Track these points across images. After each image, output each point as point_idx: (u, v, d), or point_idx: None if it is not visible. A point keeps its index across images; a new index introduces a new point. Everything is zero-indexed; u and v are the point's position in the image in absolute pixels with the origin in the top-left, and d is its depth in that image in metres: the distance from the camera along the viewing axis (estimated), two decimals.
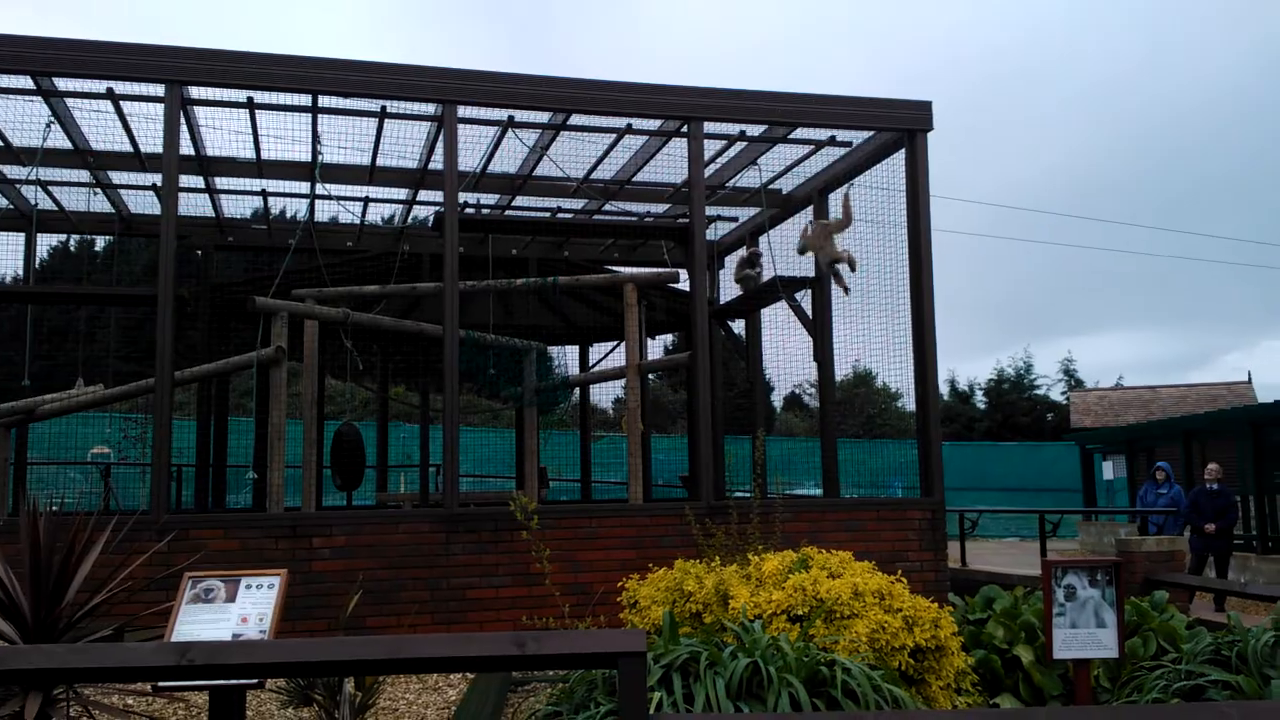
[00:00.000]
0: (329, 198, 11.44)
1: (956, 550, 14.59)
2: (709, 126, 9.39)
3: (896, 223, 9.64)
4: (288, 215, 13.57)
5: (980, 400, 44.27)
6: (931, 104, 9.49)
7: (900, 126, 9.44)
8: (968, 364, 68.10)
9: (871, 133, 9.78)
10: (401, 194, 11.77)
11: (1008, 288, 77.30)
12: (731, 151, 10.48)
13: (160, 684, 4.05)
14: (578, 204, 12.13)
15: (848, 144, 10.09)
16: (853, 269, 9.83)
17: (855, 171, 10.21)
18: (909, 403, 10.02)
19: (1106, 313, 77.06)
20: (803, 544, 6.66)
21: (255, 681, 3.75)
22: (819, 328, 10.44)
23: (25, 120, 9.32)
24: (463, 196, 9.70)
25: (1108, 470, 24.77)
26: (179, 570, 4.68)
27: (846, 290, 9.97)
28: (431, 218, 11.26)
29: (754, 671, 4.41)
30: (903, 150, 9.55)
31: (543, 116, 9.51)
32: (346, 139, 10.01)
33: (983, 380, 45.10)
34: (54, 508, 4.69)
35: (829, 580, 5.69)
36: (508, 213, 12.13)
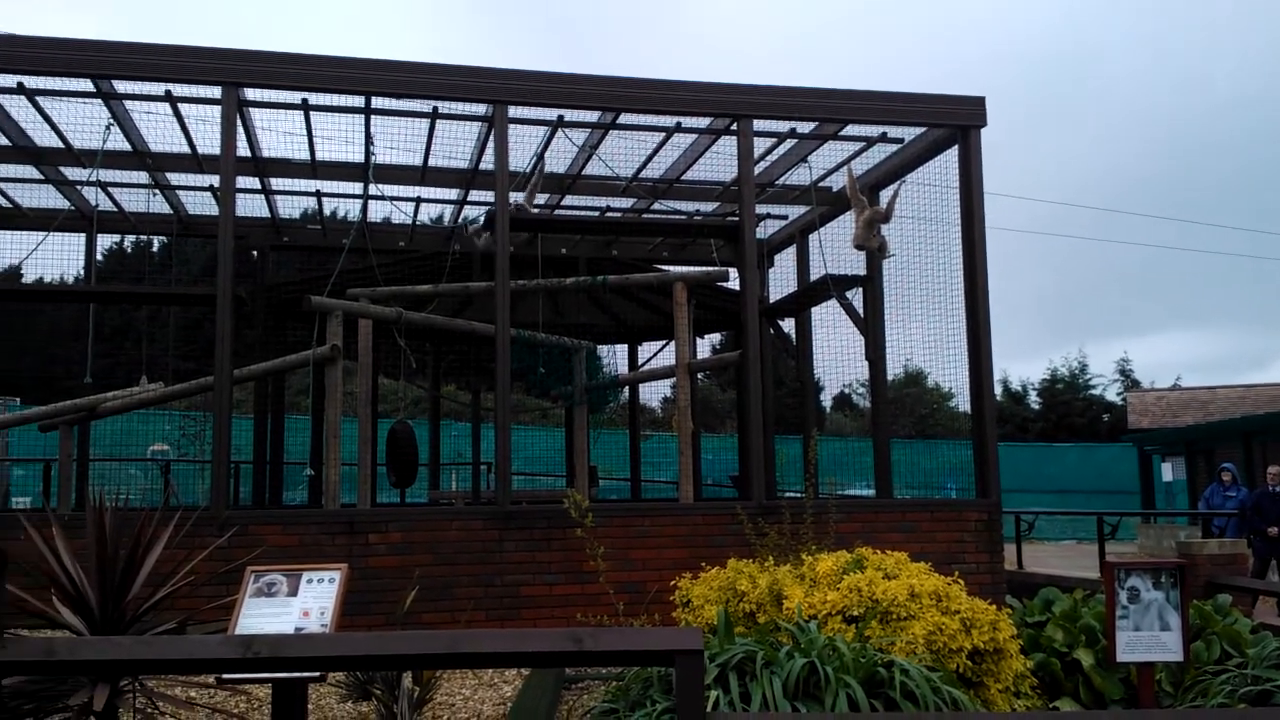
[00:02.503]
0: (382, 198, 11.56)
1: (1013, 552, 14.40)
2: (758, 124, 9.35)
3: (949, 220, 9.53)
4: (340, 215, 13.74)
5: (1034, 401, 43.67)
6: (985, 99, 9.37)
7: (953, 122, 9.32)
8: (1021, 364, 67.27)
9: (923, 129, 9.68)
10: (452, 194, 11.87)
11: (1062, 286, 76.19)
12: (781, 149, 10.43)
13: (224, 676, 4.11)
14: (626, 203, 12.14)
15: (899, 140, 10.00)
16: (883, 257, 9.92)
17: (907, 168, 10.11)
18: (962, 403, 9.90)
19: (1163, 312, 75.73)
20: (856, 545, 6.61)
21: (317, 675, 3.80)
22: (871, 326, 10.36)
23: (86, 123, 9.53)
24: (513, 196, 9.75)
25: (1167, 472, 24.33)
26: (240, 565, 4.76)
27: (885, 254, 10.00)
28: (483, 217, 11.33)
29: (811, 672, 4.39)
30: (955, 146, 9.44)
31: (592, 116, 9.54)
32: (398, 140, 10.12)
33: (1036, 381, 44.53)
34: (118, 503, 4.77)
35: (885, 581, 5.64)
36: (557, 212, 12.17)
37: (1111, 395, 42.78)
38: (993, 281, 9.16)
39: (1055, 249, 72.81)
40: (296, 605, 3.91)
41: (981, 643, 5.43)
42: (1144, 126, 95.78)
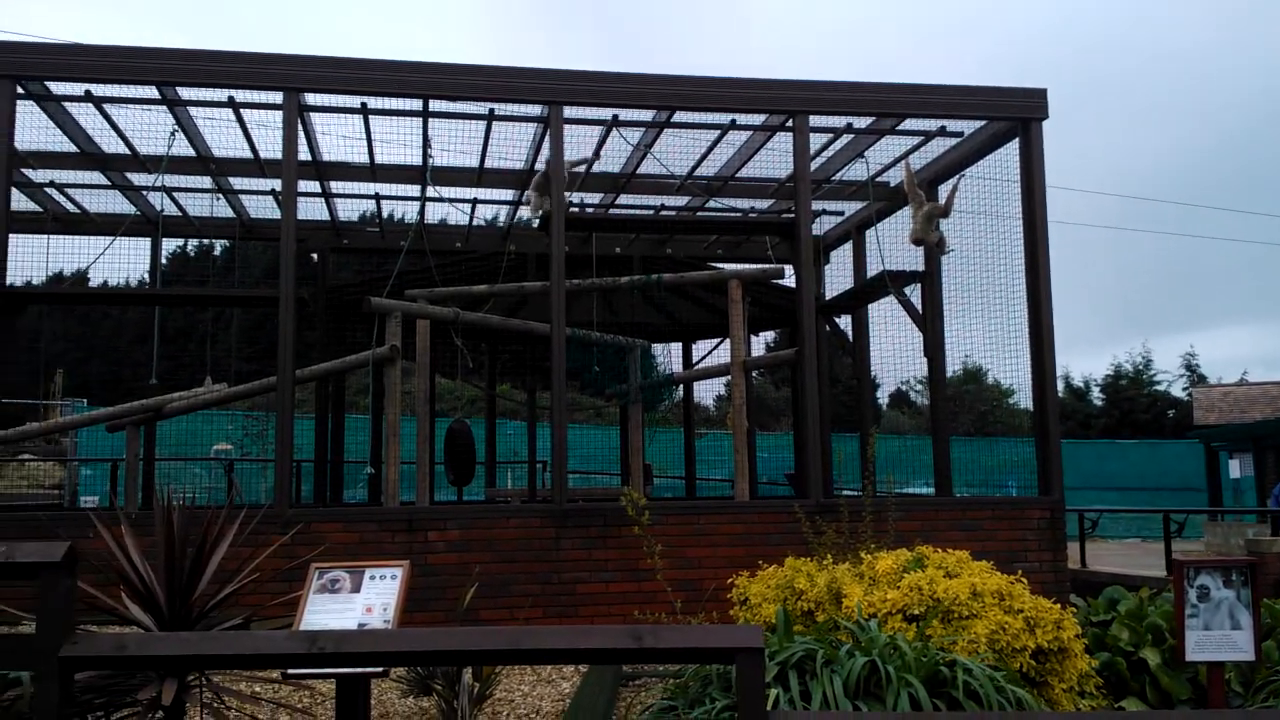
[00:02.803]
0: (439, 200, 11.68)
1: (1076, 551, 14.14)
2: (814, 120, 9.29)
3: (1010, 214, 9.39)
4: (398, 218, 13.91)
5: (1097, 397, 42.83)
6: (1046, 91, 9.22)
7: (1013, 115, 9.19)
8: (1083, 360, 65.90)
9: (983, 122, 9.54)
10: (508, 195, 11.95)
11: (1125, 281, 74.67)
12: (838, 144, 10.36)
13: (290, 671, 4.17)
14: (681, 201, 12.13)
15: (959, 134, 9.88)
16: (942, 252, 9.83)
17: (966, 162, 9.99)
18: (1023, 399, 9.76)
19: (1229, 306, 73.84)
20: (916, 543, 6.54)
21: (381, 670, 3.84)
22: (929, 322, 10.24)
23: (151, 129, 9.74)
24: (568, 195, 9.81)
25: (1234, 468, 23.74)
26: (303, 562, 4.83)
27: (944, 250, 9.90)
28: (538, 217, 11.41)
29: (872, 670, 4.35)
30: (1016, 140, 9.30)
31: (646, 114, 9.54)
32: (455, 142, 10.22)
33: (1099, 376, 43.67)
34: (184, 502, 4.87)
35: (946, 580, 5.57)
36: (611, 211, 12.20)
37: (1177, 391, 41.82)
38: (1054, 275, 9.02)
39: (1118, 242, 71.47)
40: (360, 601, 3.96)
41: (1045, 642, 5.34)
42: (1211, 116, 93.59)
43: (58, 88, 8.80)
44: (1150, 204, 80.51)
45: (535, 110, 9.28)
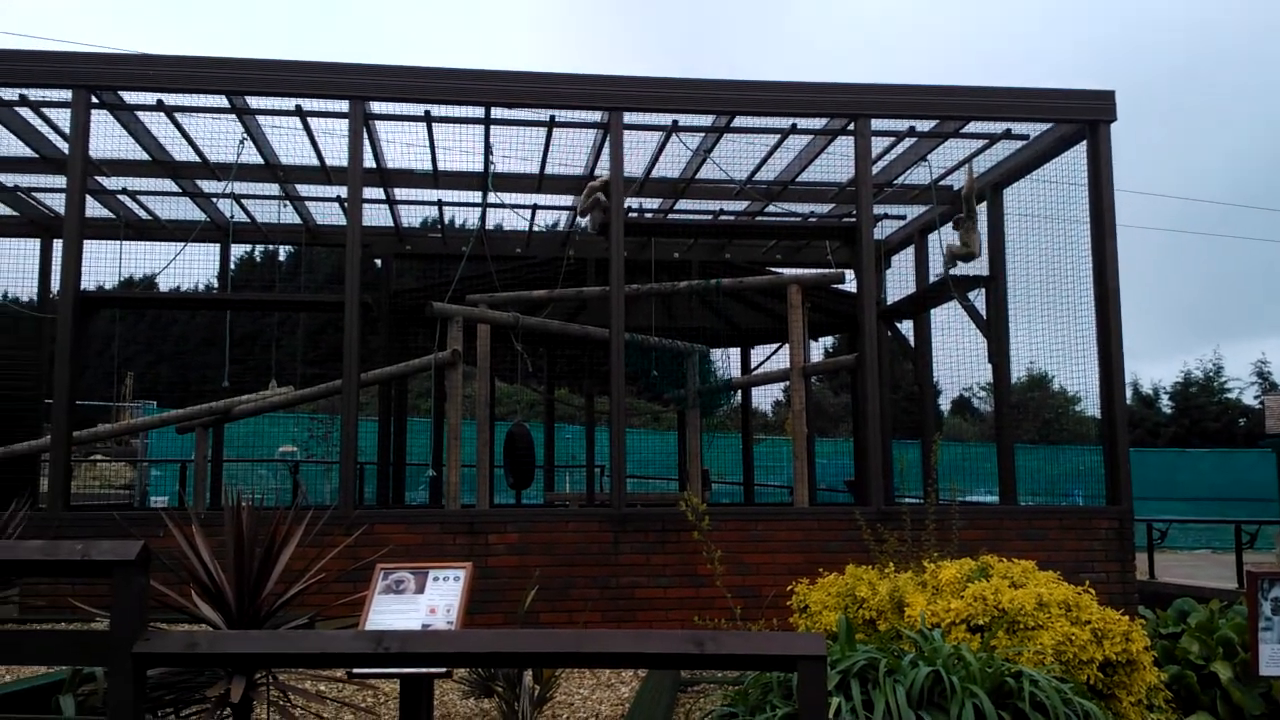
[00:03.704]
0: (500, 206, 11.78)
1: (1144, 562, 13.83)
2: (876, 123, 9.21)
3: (1077, 218, 9.23)
4: (459, 224, 14.05)
5: (1166, 405, 41.88)
6: (1114, 93, 9.04)
7: (1081, 117, 9.03)
8: (1152, 367, 64.47)
9: (1049, 125, 9.39)
10: (568, 200, 12.02)
11: (1195, 286, 72.92)
12: (900, 148, 10.26)
13: (355, 671, 4.22)
14: (740, 205, 12.10)
15: (1024, 137, 9.73)
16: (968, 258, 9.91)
17: (1032, 165, 9.84)
18: (1089, 407, 9.58)
19: None
20: (980, 552, 6.44)
21: (444, 671, 3.88)
22: (994, 328, 10.09)
23: (220, 137, 9.96)
24: (627, 201, 9.84)
25: None
26: (367, 564, 4.89)
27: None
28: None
29: (935, 681, 4.29)
30: (1083, 143, 9.14)
31: (705, 119, 9.54)
32: (516, 148, 10.30)
33: (1168, 384, 42.69)
34: (252, 503, 4.95)
35: (1011, 590, 5.48)
36: (670, 216, 12.20)
37: (1248, 399, 40.74)
38: (1123, 280, 8.84)
39: (1188, 246, 69.78)
40: (423, 602, 3.99)
41: (1113, 654, 5.23)
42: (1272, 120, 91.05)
43: (131, 97, 9.02)
44: (1223, 207, 78.59)
45: (596, 116, 9.32)
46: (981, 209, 10.60)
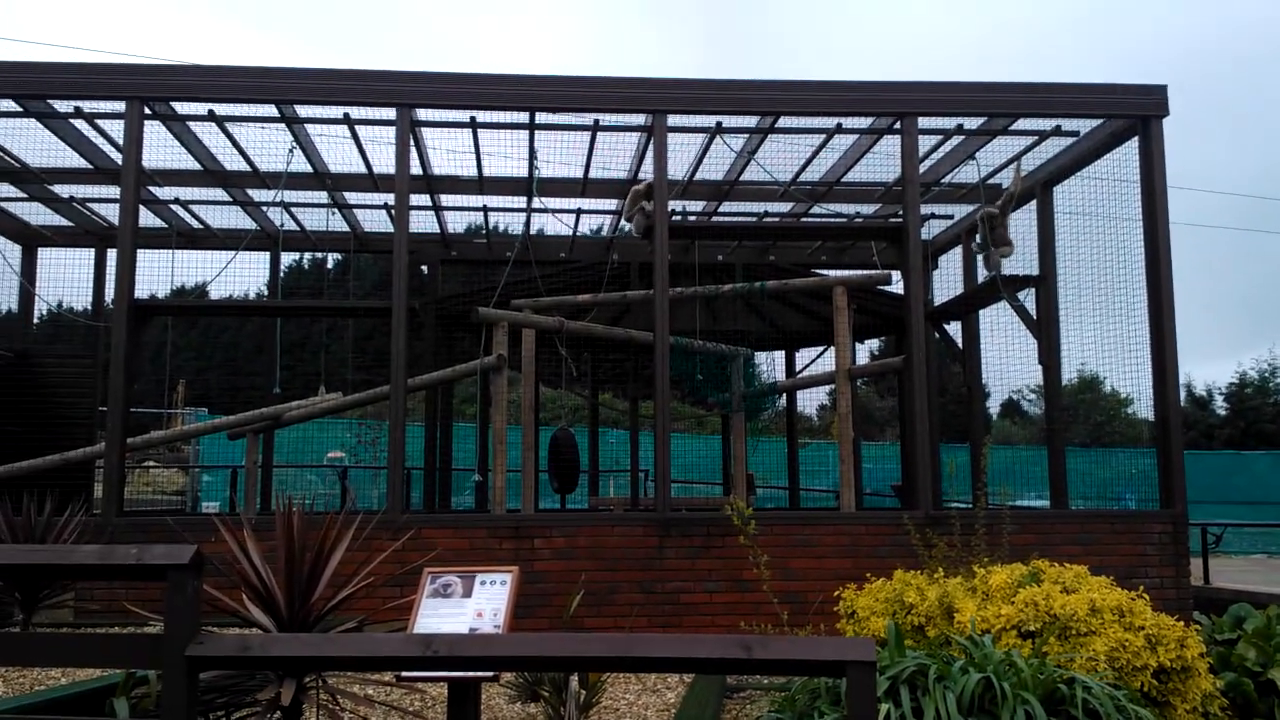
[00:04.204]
0: (544, 210, 11.83)
1: (1199, 567, 13.56)
2: (923, 121, 9.13)
3: (1129, 216, 9.07)
4: (503, 229, 14.12)
5: (1220, 406, 41.04)
6: (1166, 88, 8.88)
7: (1132, 113, 8.88)
8: (1206, 367, 63.18)
9: (1099, 121, 9.24)
10: (611, 204, 12.03)
11: (1251, 284, 71.42)
12: (947, 146, 10.15)
13: (403, 674, 4.25)
14: (784, 207, 12.04)
15: (1074, 134, 9.58)
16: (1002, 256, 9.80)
17: (1083, 162, 9.69)
18: (1142, 409, 9.41)
19: None
20: (1031, 557, 6.34)
21: (492, 674, 3.88)
22: (1044, 329, 9.94)
23: (269, 146, 10.09)
24: (670, 203, 9.83)
25: None
26: (415, 568, 4.91)
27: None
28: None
29: (986, 687, 4.23)
30: (1135, 139, 8.98)
31: (750, 120, 9.50)
32: (560, 152, 10.33)
33: (1223, 385, 41.82)
34: (303, 507, 5.00)
35: (1063, 595, 5.39)
36: (714, 218, 12.17)
37: None
38: (1176, 279, 8.67)
39: (1243, 244, 68.40)
40: (471, 606, 4.00)
41: (1168, 661, 5.13)
42: None
43: (182, 108, 9.17)
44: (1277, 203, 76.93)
45: (639, 119, 9.33)
46: (1030, 207, 10.46)
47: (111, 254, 9.92)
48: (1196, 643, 5.34)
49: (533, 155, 10.15)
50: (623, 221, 11.56)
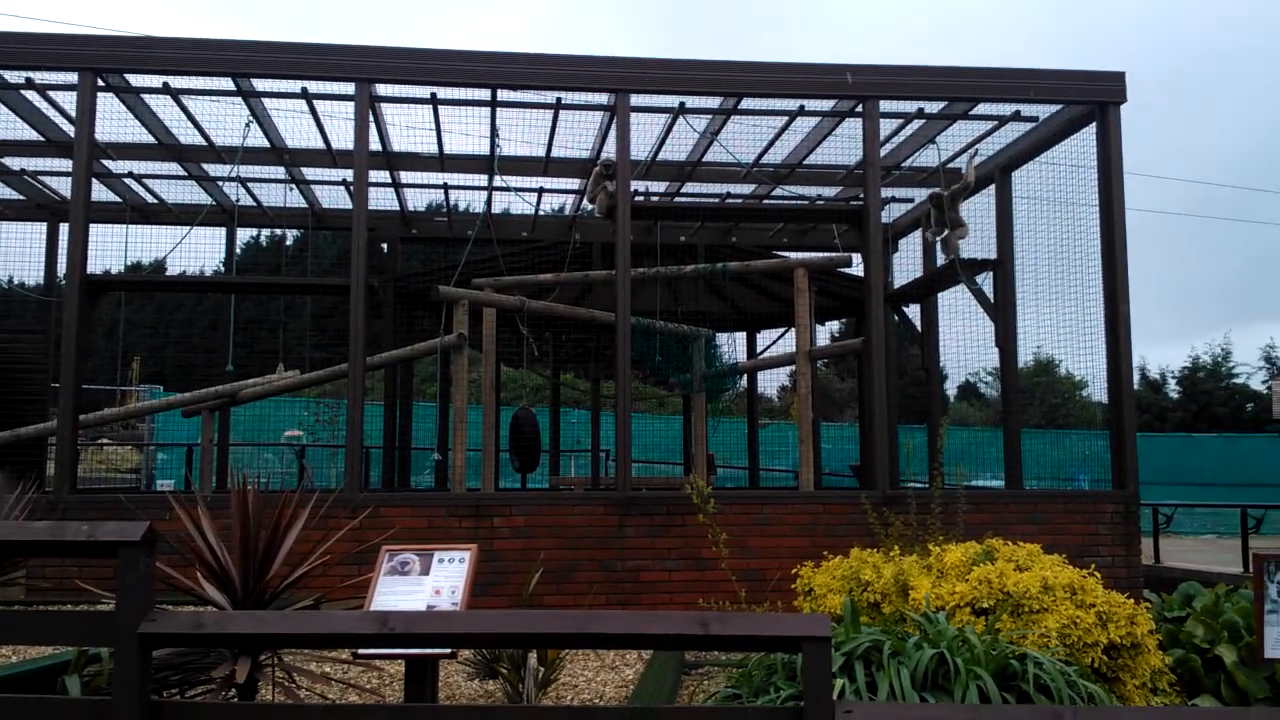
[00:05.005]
0: (506, 189, 11.75)
1: (1150, 546, 13.83)
2: (885, 104, 9.16)
3: (1086, 201, 9.18)
4: (464, 207, 14.02)
5: (1173, 390, 41.79)
6: (1124, 74, 8.98)
7: (1090, 99, 8.97)
8: (1160, 351, 64.35)
9: (1058, 107, 9.33)
10: (574, 184, 11.98)
11: (1205, 271, 72.67)
12: (908, 130, 10.20)
13: (360, 651, 4.24)
14: (747, 189, 12.06)
15: (1033, 119, 9.67)
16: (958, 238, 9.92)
17: (1041, 148, 9.78)
18: (1096, 392, 9.56)
19: None
20: (985, 536, 6.44)
21: (449, 651, 3.88)
22: (1001, 312, 10.05)
23: (226, 120, 9.93)
24: (633, 184, 9.81)
25: None
26: (373, 546, 4.89)
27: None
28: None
29: (940, 663, 4.29)
30: (1093, 125, 9.08)
31: (713, 101, 9.49)
32: (522, 131, 10.27)
33: (1176, 368, 42.58)
34: (257, 486, 4.96)
35: (1016, 573, 5.48)
36: (676, 199, 12.17)
37: (1256, 384, 40.61)
38: (1132, 264, 8.81)
39: (1197, 230, 69.51)
40: (428, 584, 4.00)
41: (1118, 637, 5.23)
42: None
43: (136, 80, 9.00)
44: (1235, 191, 78.23)
45: (602, 99, 9.28)
46: (989, 192, 10.56)
47: (64, 228, 9.72)
48: (1146, 620, 5.44)
49: (494, 133, 10.08)
50: (585, 201, 11.53)
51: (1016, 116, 9.62)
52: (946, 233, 9.85)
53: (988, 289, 10.14)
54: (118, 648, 3.03)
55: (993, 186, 10.51)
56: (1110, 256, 8.83)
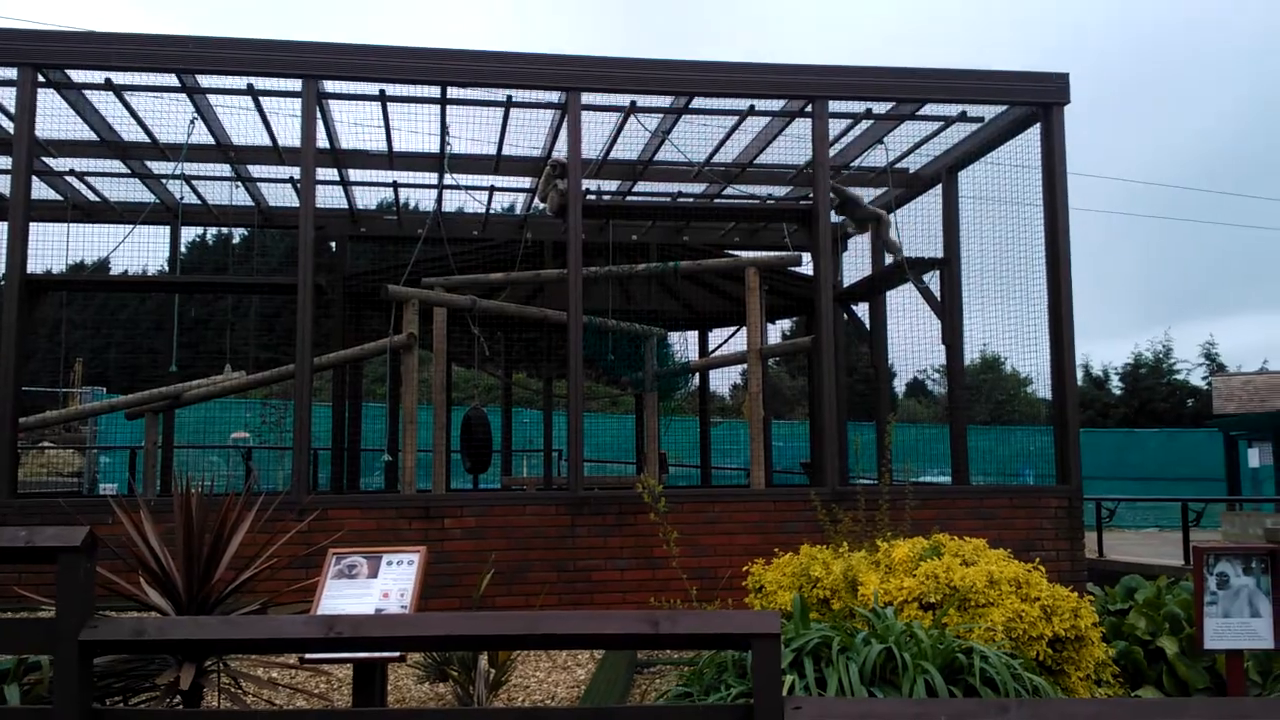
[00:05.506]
0: (457, 187, 11.68)
1: (1093, 540, 14.10)
2: (833, 105, 9.23)
3: (1031, 201, 9.33)
4: (415, 206, 13.91)
5: (1116, 386, 42.59)
6: (1068, 76, 9.13)
7: (1034, 100, 9.11)
8: (1104, 348, 65.52)
9: (1004, 107, 9.47)
10: (525, 182, 11.93)
11: (1146, 268, 74.15)
12: (857, 130, 10.29)
13: (307, 656, 4.19)
14: (698, 188, 12.09)
15: (979, 120, 9.80)
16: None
17: (987, 148, 9.93)
18: (1041, 389, 9.72)
19: (1251, 294, 73.17)
20: (933, 531, 6.52)
21: (398, 655, 3.86)
22: (948, 310, 10.18)
23: (170, 117, 9.76)
24: (585, 183, 9.79)
25: (1253, 458, 23.61)
26: (320, 549, 4.85)
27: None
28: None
29: (888, 658, 4.34)
30: (1037, 125, 9.23)
31: (664, 101, 9.51)
32: (473, 129, 10.21)
33: (1119, 365, 43.41)
34: (202, 489, 4.89)
35: (962, 568, 5.56)
36: (628, 198, 12.17)
37: (1196, 380, 41.55)
38: (1075, 263, 8.96)
39: (1139, 229, 70.89)
40: (377, 587, 3.97)
41: (1062, 630, 5.33)
42: (1233, 103, 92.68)
43: (78, 76, 8.81)
44: (1173, 190, 79.90)
45: (553, 97, 9.26)
46: (936, 192, 10.70)
47: (3, 227, 9.50)
48: (1090, 613, 5.55)
49: (445, 131, 10.01)
50: (537, 200, 11.49)
51: (963, 117, 9.74)
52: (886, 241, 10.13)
53: (935, 288, 10.26)
54: (58, 655, 2.98)
55: (939, 187, 10.64)
56: (1054, 254, 8.98)
